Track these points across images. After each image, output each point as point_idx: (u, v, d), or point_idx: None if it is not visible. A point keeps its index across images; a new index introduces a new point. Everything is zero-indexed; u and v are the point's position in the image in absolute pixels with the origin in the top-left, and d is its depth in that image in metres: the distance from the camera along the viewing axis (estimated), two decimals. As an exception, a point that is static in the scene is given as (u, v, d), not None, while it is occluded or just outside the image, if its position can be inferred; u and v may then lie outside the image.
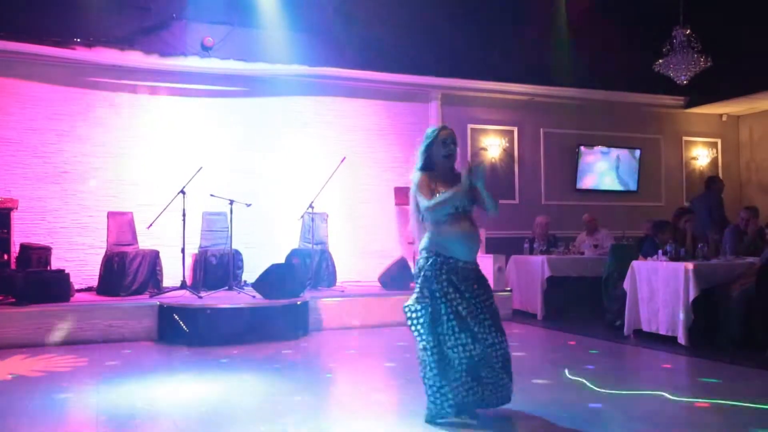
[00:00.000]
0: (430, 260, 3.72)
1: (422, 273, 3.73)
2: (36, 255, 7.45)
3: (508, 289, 8.51)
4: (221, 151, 9.00)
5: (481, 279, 3.80)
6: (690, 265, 6.25)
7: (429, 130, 3.99)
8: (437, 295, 3.67)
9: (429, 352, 3.67)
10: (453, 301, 3.66)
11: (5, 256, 7.35)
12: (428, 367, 3.69)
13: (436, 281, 3.68)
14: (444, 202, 3.68)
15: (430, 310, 3.68)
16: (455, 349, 3.63)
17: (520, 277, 8.77)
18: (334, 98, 9.61)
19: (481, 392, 3.70)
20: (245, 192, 8.37)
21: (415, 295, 3.75)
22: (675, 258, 6.59)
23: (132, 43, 8.62)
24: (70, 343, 6.44)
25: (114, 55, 8.53)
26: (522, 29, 10.14)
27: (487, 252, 8.83)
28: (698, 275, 6.20)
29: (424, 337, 3.69)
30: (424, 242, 3.78)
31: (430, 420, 3.73)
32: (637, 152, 11.33)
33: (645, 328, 6.71)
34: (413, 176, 3.85)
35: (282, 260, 8.09)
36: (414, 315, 3.72)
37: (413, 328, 3.73)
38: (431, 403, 3.72)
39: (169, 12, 8.78)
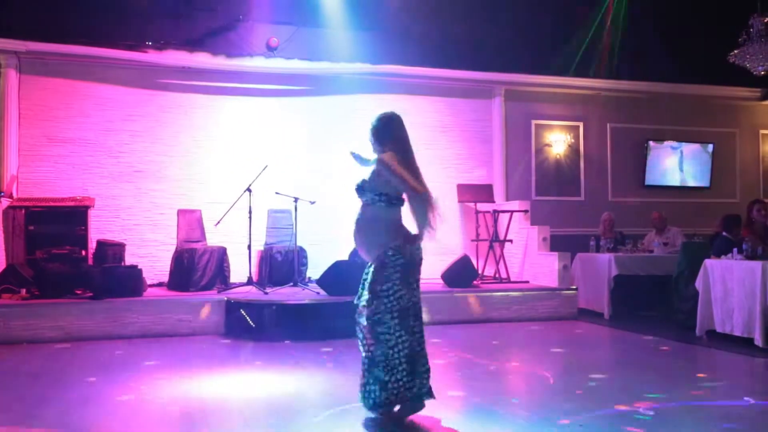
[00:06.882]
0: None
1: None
2: (111, 251, 7.76)
3: (574, 287, 8.35)
4: (286, 149, 9.16)
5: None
6: (768, 264, 5.99)
7: (391, 113, 3.96)
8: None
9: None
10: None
11: (83, 252, 7.68)
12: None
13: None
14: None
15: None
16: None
17: (585, 276, 8.59)
18: (397, 95, 9.62)
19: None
20: (310, 190, 8.48)
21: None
22: (752, 256, 6.32)
23: (200, 45, 8.86)
24: (142, 336, 6.69)
25: (183, 57, 8.79)
26: (586, 21, 9.92)
27: (552, 250, 8.69)
28: (777, 275, 5.93)
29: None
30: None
31: None
32: (710, 147, 10.92)
33: (718, 329, 6.46)
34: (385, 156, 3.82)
35: (346, 257, 8.16)
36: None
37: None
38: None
39: (235, 14, 8.98)
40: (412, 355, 3.72)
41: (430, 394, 3.82)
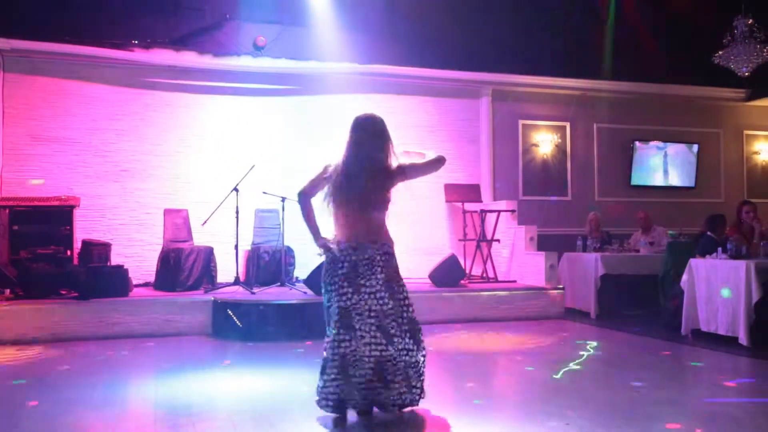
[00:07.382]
0: None
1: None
2: (97, 251, 7.69)
3: (561, 287, 8.39)
4: (273, 148, 9.13)
5: None
6: (752, 264, 6.04)
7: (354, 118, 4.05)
8: None
9: None
10: None
11: (68, 252, 7.62)
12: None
13: None
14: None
15: None
16: None
17: (572, 275, 8.64)
18: (385, 95, 9.61)
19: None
20: (297, 189, 8.42)
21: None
22: (736, 255, 6.37)
23: (187, 44, 8.81)
24: (129, 337, 6.65)
25: (170, 56, 8.74)
26: (574, 21, 9.96)
27: (539, 249, 8.73)
28: (761, 274, 5.98)
29: None
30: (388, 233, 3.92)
31: None
32: (695, 147, 11.01)
33: (703, 328, 6.52)
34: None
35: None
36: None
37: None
38: None
39: (222, 12, 8.93)
40: (337, 358, 3.65)
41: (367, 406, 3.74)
